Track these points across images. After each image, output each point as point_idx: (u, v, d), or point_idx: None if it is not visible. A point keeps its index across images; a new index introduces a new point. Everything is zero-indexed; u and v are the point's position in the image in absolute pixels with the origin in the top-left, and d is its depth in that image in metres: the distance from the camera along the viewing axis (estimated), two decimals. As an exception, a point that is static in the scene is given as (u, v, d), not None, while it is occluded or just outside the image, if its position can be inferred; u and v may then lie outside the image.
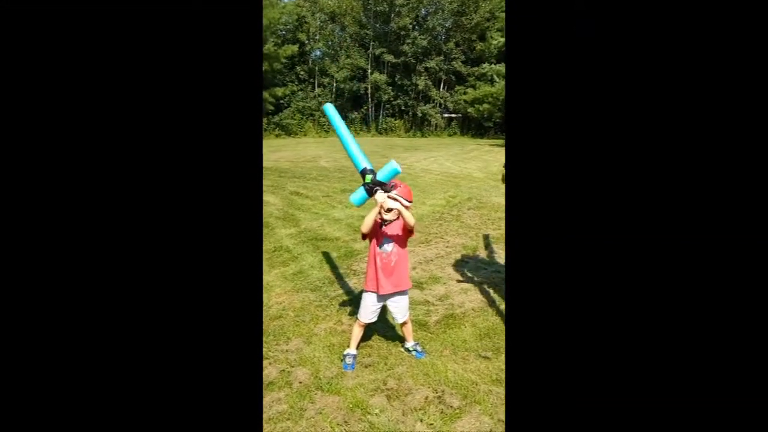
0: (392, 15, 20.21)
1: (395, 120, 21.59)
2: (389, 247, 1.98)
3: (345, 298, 2.81)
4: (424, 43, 20.19)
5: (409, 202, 1.93)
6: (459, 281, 3.10)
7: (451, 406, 1.71)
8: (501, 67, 19.58)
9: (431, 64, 20.67)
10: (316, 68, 20.59)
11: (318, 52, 21.00)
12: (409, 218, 1.90)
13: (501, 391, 1.82)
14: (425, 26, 20.57)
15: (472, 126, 21.19)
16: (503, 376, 1.92)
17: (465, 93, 20.74)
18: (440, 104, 21.81)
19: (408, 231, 1.97)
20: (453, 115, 22.10)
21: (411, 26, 20.41)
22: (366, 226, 1.91)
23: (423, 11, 20.80)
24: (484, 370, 1.98)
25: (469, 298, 2.81)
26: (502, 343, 2.14)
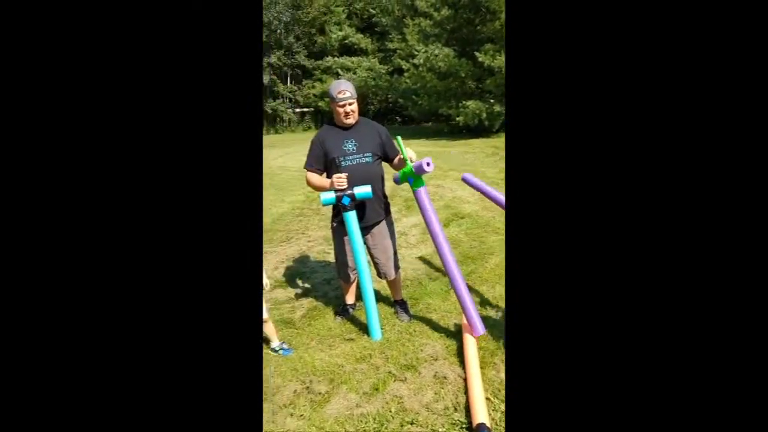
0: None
1: (244, 118, 20.53)
2: None
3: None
4: (263, 38, 19.54)
5: None
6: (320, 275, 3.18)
7: (319, 393, 1.79)
8: (345, 60, 20.06)
9: (273, 59, 20.12)
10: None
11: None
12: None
13: (365, 366, 1.96)
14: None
15: (325, 120, 21.34)
16: (367, 353, 2.07)
17: (313, 87, 20.74)
18: (290, 99, 21.42)
19: None
20: (305, 110, 21.92)
21: (246, 19, 19.51)
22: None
23: (257, 4, 20.01)
24: (348, 351, 2.10)
25: (332, 287, 2.91)
26: (365, 324, 2.29)
